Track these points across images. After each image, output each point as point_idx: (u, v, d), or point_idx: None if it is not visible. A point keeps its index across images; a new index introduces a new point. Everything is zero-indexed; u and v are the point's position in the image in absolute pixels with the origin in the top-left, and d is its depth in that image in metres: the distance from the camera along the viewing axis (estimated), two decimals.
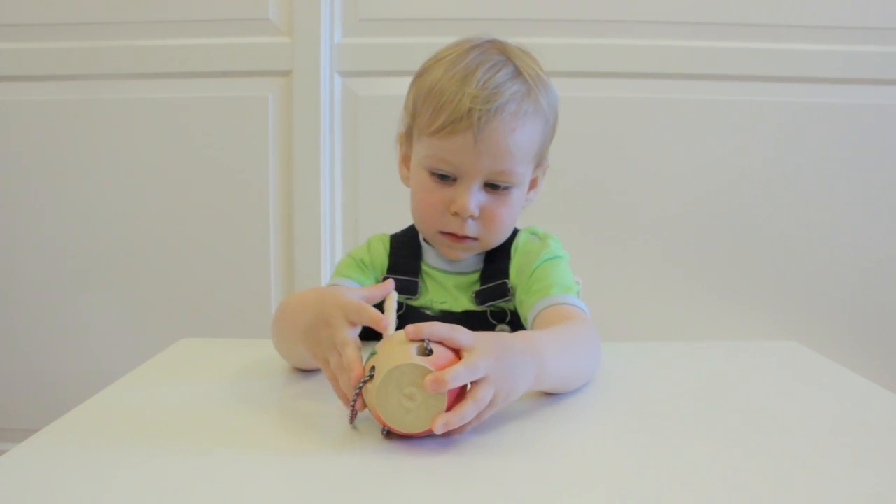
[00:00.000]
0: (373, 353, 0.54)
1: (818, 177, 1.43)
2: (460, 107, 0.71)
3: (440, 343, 0.53)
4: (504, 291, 0.80)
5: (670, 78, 1.41)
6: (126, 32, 1.43)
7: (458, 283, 0.82)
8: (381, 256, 0.84)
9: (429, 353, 0.52)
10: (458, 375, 0.50)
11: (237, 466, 0.49)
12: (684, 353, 0.82)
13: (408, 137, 0.82)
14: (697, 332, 1.45)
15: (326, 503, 0.45)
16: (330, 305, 0.59)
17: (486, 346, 0.54)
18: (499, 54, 0.76)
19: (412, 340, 0.53)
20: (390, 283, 0.66)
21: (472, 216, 0.75)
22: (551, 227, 0.86)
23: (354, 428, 0.55)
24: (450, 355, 0.52)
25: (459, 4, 1.41)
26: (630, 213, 1.44)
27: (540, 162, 0.82)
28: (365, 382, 0.52)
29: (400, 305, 0.81)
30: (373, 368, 0.52)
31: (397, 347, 0.52)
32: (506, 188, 0.76)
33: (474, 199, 0.75)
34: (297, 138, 1.42)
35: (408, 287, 0.82)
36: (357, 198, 1.45)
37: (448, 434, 0.52)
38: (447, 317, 0.80)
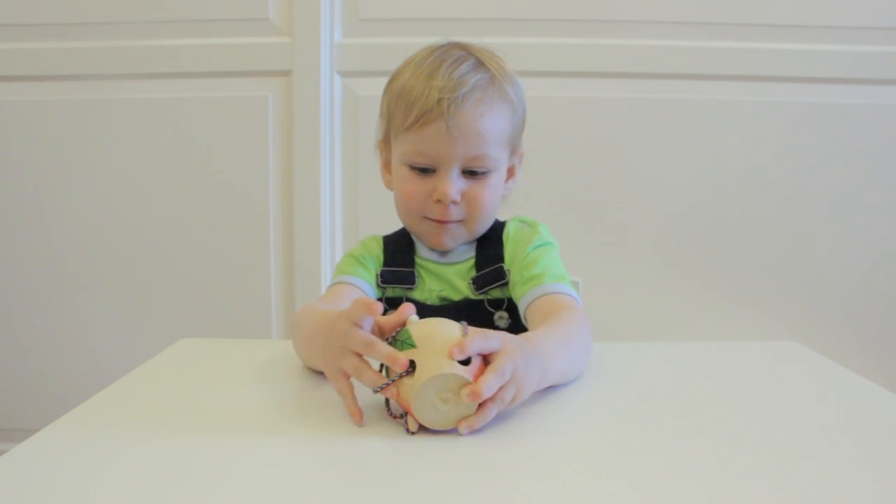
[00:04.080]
0: (410, 345, 0.54)
1: (818, 176, 1.43)
2: (429, 99, 0.74)
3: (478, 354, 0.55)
4: (500, 275, 0.81)
5: (670, 78, 1.41)
6: (126, 32, 1.43)
7: (454, 271, 0.83)
8: (377, 251, 0.86)
9: (467, 361, 0.54)
10: (490, 386, 0.52)
11: (238, 465, 0.49)
12: (684, 353, 0.82)
13: (386, 143, 0.84)
14: (697, 332, 1.45)
15: (333, 492, 0.45)
16: (338, 331, 0.58)
17: (511, 348, 0.56)
18: (460, 51, 0.79)
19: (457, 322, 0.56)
20: (409, 306, 0.59)
21: (454, 202, 0.78)
22: (552, 227, 0.86)
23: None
24: (480, 363, 0.55)
25: (459, 4, 1.41)
26: (630, 213, 1.44)
27: (514, 149, 0.84)
28: (402, 376, 0.54)
29: (399, 299, 0.82)
30: (412, 363, 0.54)
31: (440, 351, 0.53)
32: (483, 173, 0.78)
33: (454, 185, 0.77)
34: (297, 138, 1.42)
35: (405, 277, 0.83)
36: (357, 198, 1.45)
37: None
38: (446, 305, 0.82)
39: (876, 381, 0.68)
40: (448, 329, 0.56)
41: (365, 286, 0.83)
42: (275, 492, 0.45)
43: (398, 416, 0.56)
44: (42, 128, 1.46)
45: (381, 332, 0.58)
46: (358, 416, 0.57)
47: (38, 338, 1.51)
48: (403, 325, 0.58)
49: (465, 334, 0.55)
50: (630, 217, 1.44)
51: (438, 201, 0.78)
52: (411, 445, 0.52)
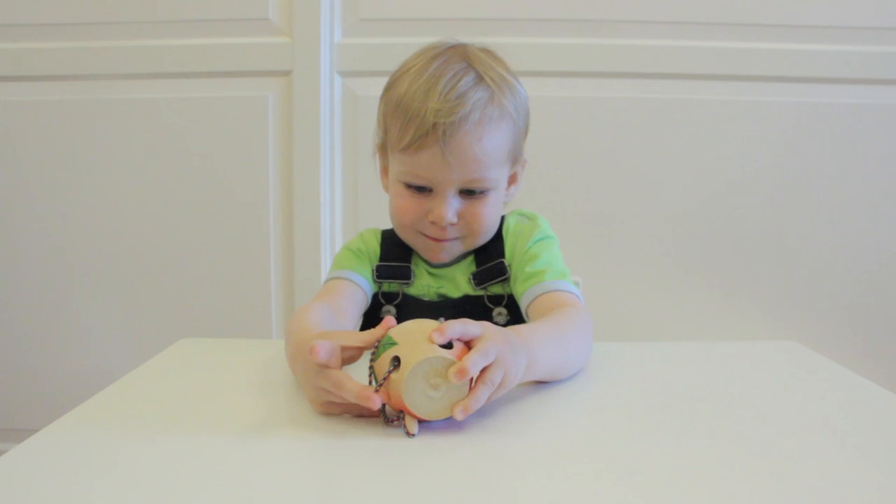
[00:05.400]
0: (391, 344, 0.56)
1: (818, 177, 1.43)
2: (425, 122, 0.72)
3: (458, 340, 0.56)
4: (502, 270, 0.81)
5: (670, 78, 1.41)
6: (126, 32, 1.43)
7: (453, 266, 0.83)
8: (374, 245, 0.86)
9: (449, 345, 0.55)
10: (475, 362, 0.52)
11: (238, 465, 0.49)
12: (684, 353, 0.82)
13: (383, 149, 0.83)
14: (697, 331, 1.45)
15: (333, 492, 0.45)
16: (309, 368, 0.58)
17: (492, 332, 0.56)
18: (461, 61, 0.76)
19: (435, 325, 0.56)
20: (389, 319, 0.60)
21: (450, 223, 0.77)
22: (552, 227, 0.86)
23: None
24: (463, 347, 0.55)
25: (459, 5, 1.41)
26: (630, 212, 1.44)
27: (516, 159, 0.82)
28: (389, 372, 0.54)
29: (396, 294, 0.82)
30: (395, 359, 0.54)
31: (421, 340, 0.54)
32: (482, 192, 0.77)
33: (450, 208, 0.76)
34: (297, 138, 1.42)
35: (401, 272, 0.83)
36: (357, 198, 1.45)
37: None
38: (445, 302, 0.81)
39: (876, 381, 0.68)
40: (426, 323, 0.57)
41: (361, 281, 0.83)
42: (274, 492, 0.45)
43: (394, 419, 0.55)
44: (42, 128, 1.46)
45: (366, 349, 0.59)
46: (372, 402, 0.53)
47: (37, 338, 1.51)
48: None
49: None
50: (630, 217, 1.44)
51: (434, 222, 0.77)
52: (411, 444, 0.52)
